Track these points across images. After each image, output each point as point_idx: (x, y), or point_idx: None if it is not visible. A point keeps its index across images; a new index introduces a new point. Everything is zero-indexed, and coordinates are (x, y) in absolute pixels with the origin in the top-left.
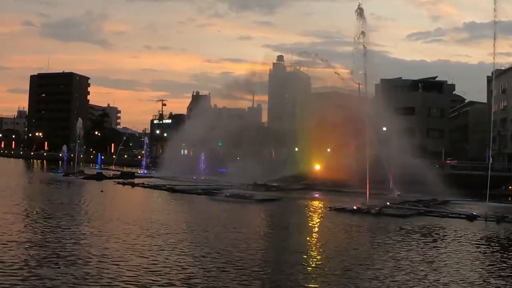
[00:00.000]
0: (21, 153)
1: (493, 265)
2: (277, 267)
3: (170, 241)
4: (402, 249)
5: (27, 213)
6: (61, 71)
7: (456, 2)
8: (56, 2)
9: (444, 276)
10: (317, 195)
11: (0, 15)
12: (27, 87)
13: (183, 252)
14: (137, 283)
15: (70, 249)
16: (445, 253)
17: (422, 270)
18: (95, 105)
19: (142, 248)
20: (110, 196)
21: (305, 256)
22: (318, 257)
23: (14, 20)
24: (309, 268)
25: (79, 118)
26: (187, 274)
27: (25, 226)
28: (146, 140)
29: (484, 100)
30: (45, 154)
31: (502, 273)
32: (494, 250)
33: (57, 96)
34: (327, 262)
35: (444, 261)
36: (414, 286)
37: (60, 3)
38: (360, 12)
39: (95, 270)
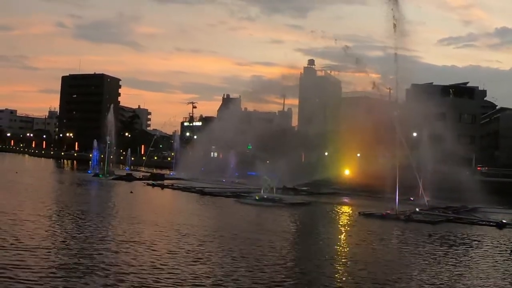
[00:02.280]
0: (52, 153)
1: None
2: (304, 273)
3: (197, 245)
4: (431, 257)
5: (57, 215)
6: (93, 72)
7: (487, 7)
8: (88, 4)
9: (472, 285)
10: (346, 200)
11: (33, 16)
12: (59, 87)
13: (210, 256)
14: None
15: (101, 257)
16: (473, 261)
17: (449, 277)
18: (125, 107)
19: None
20: (140, 198)
21: (333, 264)
22: (347, 265)
23: (46, 21)
24: (336, 276)
25: (111, 108)
26: (215, 280)
27: (52, 230)
28: (177, 141)
29: None
30: (75, 154)
31: None
32: None
33: (88, 97)
34: (355, 270)
35: (472, 269)
36: None
37: (92, 5)
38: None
39: (124, 277)
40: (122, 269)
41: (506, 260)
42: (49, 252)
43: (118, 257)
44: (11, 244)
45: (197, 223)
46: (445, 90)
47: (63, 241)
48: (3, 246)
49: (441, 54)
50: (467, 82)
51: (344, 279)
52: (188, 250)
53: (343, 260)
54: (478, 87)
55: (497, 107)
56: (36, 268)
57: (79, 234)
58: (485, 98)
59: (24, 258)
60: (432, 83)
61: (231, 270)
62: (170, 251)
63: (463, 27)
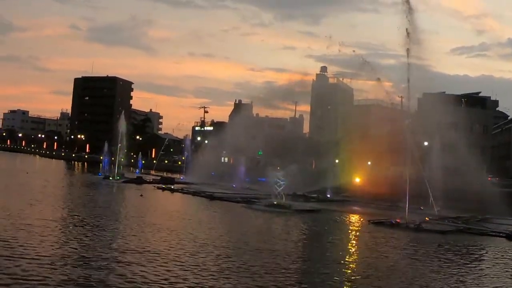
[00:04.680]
0: (63, 154)
1: None
2: (307, 277)
3: (203, 252)
4: (440, 268)
5: (66, 222)
6: (105, 75)
7: (500, 17)
8: (102, 7)
9: None
10: (356, 208)
11: (47, 18)
12: (71, 89)
13: (216, 264)
14: None
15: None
16: (481, 272)
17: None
18: (137, 110)
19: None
20: (149, 201)
21: (337, 268)
22: (352, 270)
23: (60, 23)
24: (337, 283)
25: (122, 112)
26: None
27: (60, 236)
28: (188, 145)
29: None
30: (86, 156)
31: None
32: None
33: (100, 99)
34: (363, 280)
35: (480, 280)
36: None
37: (105, 8)
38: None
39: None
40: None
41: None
42: (58, 262)
43: (130, 270)
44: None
45: (207, 231)
46: (457, 99)
47: (74, 250)
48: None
49: (453, 63)
50: (479, 92)
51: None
52: (201, 263)
53: (350, 268)
54: (490, 97)
55: (509, 118)
56: (47, 280)
57: (88, 241)
58: (497, 109)
59: (31, 268)
60: (444, 92)
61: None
62: (181, 262)
63: (476, 37)
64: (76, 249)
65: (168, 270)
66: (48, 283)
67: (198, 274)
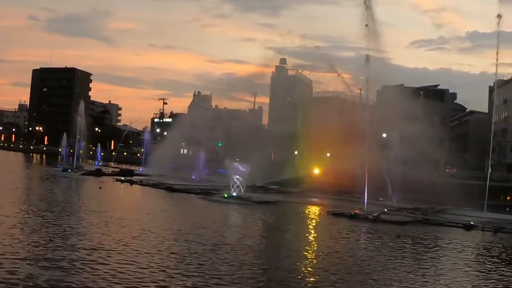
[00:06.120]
0: (21, 146)
1: (485, 275)
2: (270, 271)
3: (159, 243)
4: (397, 257)
5: (23, 217)
6: (64, 66)
7: (459, 11)
8: None
9: (435, 286)
10: (315, 199)
11: (5, 8)
12: (29, 81)
13: (172, 256)
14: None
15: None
16: (438, 262)
17: (415, 278)
18: (96, 101)
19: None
20: (109, 194)
21: (299, 262)
22: (311, 262)
23: (19, 14)
24: (302, 275)
25: (81, 103)
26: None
27: (13, 232)
28: (147, 137)
29: (485, 109)
30: (44, 148)
31: (494, 284)
32: (489, 260)
33: (59, 91)
34: (320, 269)
35: (437, 270)
36: None
37: None
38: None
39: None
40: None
41: (470, 262)
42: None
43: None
44: None
45: (165, 223)
46: (416, 92)
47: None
48: None
49: (412, 56)
50: (438, 85)
51: (307, 272)
52: (157, 251)
53: (308, 258)
54: (448, 90)
55: (467, 110)
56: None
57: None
58: (455, 101)
59: None
60: (403, 85)
61: (192, 267)
62: (137, 262)
63: (435, 30)
64: (36, 246)
65: (121, 272)
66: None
67: (156, 273)
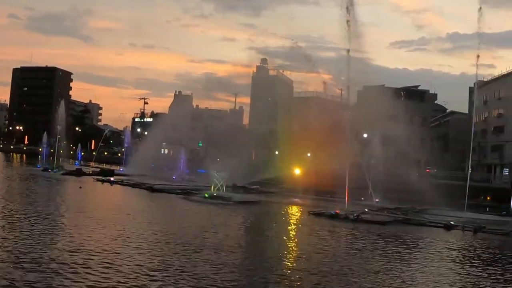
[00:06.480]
0: (1, 146)
1: (466, 275)
2: (252, 273)
3: (139, 245)
4: (377, 258)
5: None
6: (44, 66)
7: (440, 12)
8: None
9: (415, 286)
10: (296, 199)
11: None
12: (9, 80)
13: (153, 258)
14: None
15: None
16: (419, 262)
17: (394, 279)
18: (77, 101)
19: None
20: (89, 194)
21: (280, 263)
22: (292, 262)
23: None
24: (283, 276)
25: (62, 102)
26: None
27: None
28: (127, 137)
29: (466, 110)
30: (24, 148)
31: (474, 283)
32: (469, 260)
33: (39, 90)
34: (302, 270)
35: (417, 270)
36: None
37: None
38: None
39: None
40: None
41: (450, 262)
42: None
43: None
44: None
45: (145, 223)
46: (397, 92)
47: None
48: None
49: (393, 57)
50: (419, 85)
51: (286, 273)
52: (137, 253)
53: (288, 258)
54: (429, 90)
55: (447, 111)
56: None
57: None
58: (435, 102)
59: None
60: (384, 85)
61: (171, 267)
62: (117, 265)
63: (416, 31)
64: (15, 248)
65: (102, 274)
66: None
67: (137, 275)
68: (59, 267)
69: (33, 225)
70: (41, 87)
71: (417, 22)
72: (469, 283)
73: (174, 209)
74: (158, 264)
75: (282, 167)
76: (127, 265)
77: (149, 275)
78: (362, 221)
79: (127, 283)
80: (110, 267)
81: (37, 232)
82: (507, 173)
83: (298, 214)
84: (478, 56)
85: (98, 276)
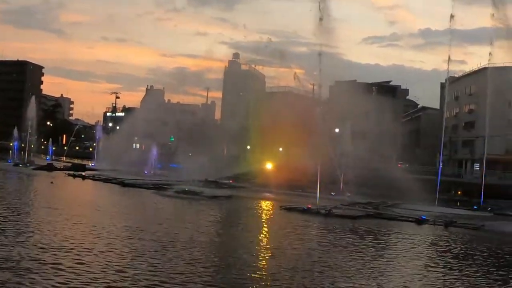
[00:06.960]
0: None
1: (436, 269)
2: (220, 268)
3: (111, 241)
4: (348, 252)
5: None
6: (15, 59)
7: (413, 9)
8: None
9: (387, 281)
10: (268, 194)
11: None
12: None
13: (124, 255)
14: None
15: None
16: (389, 256)
17: (365, 273)
18: (48, 95)
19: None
20: (60, 189)
21: (252, 259)
22: (265, 258)
23: None
24: (257, 272)
25: (33, 97)
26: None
27: None
28: (99, 131)
29: (437, 106)
30: None
31: (446, 278)
32: (439, 254)
33: (10, 84)
34: (275, 266)
35: (387, 264)
36: None
37: None
38: None
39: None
40: None
41: (421, 256)
42: None
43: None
44: None
45: (117, 219)
46: (369, 88)
47: None
48: None
49: (365, 52)
50: (390, 81)
51: (258, 268)
52: (108, 250)
53: (259, 253)
54: (400, 86)
55: (419, 106)
56: None
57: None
58: (407, 97)
59: None
60: (356, 80)
61: (143, 261)
62: (86, 262)
63: (388, 27)
64: None
65: (72, 272)
66: None
67: (108, 272)
68: (29, 265)
69: (2, 222)
70: (11, 81)
71: (389, 18)
72: (440, 277)
73: (145, 204)
74: (130, 260)
75: (254, 162)
76: (98, 262)
77: (121, 272)
78: (333, 215)
79: (98, 280)
80: (81, 264)
81: (7, 229)
82: (478, 168)
83: (270, 209)
84: (449, 52)
85: (69, 273)
